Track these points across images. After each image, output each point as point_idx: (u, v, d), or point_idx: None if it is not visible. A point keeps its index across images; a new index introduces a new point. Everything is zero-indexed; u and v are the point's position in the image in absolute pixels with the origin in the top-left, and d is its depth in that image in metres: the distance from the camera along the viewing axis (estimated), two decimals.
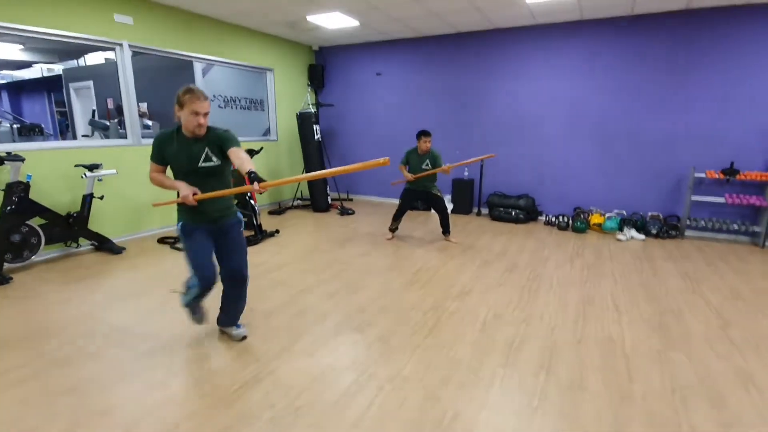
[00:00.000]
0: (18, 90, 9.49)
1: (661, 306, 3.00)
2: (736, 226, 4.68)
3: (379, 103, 6.77)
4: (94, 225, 4.23)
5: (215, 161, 2.08)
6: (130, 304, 2.97)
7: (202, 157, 2.05)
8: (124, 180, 4.50)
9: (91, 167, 3.99)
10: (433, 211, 5.33)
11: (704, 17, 4.60)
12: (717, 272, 3.74)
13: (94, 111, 5.06)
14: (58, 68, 8.23)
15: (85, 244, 4.22)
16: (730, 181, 4.72)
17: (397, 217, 4.68)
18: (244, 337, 2.43)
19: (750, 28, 4.45)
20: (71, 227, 3.91)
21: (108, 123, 4.85)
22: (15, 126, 4.40)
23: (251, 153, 4.94)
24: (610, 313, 2.88)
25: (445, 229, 4.63)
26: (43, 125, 6.07)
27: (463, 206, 6.16)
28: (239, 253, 2.27)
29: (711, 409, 1.88)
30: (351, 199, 7.13)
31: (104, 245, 4.14)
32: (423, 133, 4.40)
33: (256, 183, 1.79)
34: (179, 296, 2.46)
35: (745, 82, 4.54)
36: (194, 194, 2.00)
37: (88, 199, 4.02)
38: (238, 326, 2.46)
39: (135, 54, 4.59)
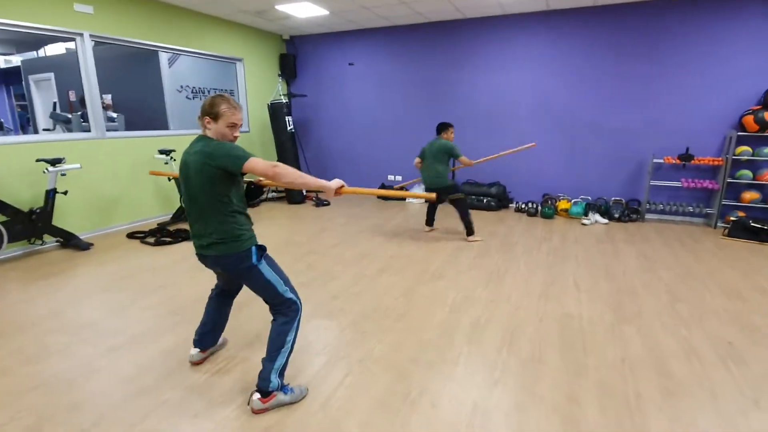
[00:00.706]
0: None
1: (618, 284, 3.18)
2: (691, 209, 4.96)
3: (353, 94, 6.76)
4: (59, 221, 4.12)
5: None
6: (97, 300, 2.93)
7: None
8: (90, 174, 4.38)
9: (54, 162, 3.87)
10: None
11: (660, 9, 4.80)
12: (672, 252, 3.97)
13: (55, 104, 4.89)
14: (16, 60, 7.83)
15: (50, 241, 4.10)
16: (686, 167, 4.99)
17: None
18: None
19: (702, 22, 4.68)
20: (34, 224, 3.80)
21: (70, 116, 4.69)
22: None
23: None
24: (570, 292, 3.03)
25: (430, 220, 4.65)
26: (2, 120, 5.82)
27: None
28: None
29: (655, 377, 2.04)
30: None
31: (70, 242, 4.04)
32: (444, 126, 4.31)
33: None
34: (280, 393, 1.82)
35: (700, 72, 4.78)
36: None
37: (51, 195, 3.90)
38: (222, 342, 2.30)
39: (97, 44, 4.44)
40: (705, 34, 4.69)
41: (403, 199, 6.47)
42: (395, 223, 5.09)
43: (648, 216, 5.27)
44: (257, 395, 1.76)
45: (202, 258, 1.81)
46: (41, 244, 4.03)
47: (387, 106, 6.56)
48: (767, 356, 2.22)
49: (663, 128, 5.04)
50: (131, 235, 4.40)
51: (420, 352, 2.25)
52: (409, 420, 1.74)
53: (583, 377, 2.03)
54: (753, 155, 4.56)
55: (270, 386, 1.75)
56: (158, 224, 4.75)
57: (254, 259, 1.75)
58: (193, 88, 5.64)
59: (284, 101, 5.88)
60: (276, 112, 5.87)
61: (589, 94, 5.31)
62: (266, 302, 1.83)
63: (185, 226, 4.73)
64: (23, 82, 7.03)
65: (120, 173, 4.68)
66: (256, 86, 6.49)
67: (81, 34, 4.30)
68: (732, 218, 4.50)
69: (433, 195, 3.01)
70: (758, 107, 4.49)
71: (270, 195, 6.54)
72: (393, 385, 1.97)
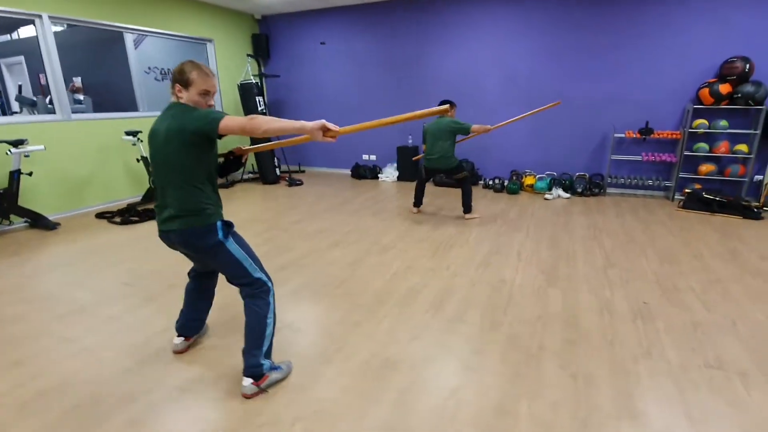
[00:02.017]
0: None
1: (559, 252, 3.31)
2: (650, 182, 5.07)
3: (326, 73, 6.77)
4: (28, 202, 4.22)
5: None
6: (56, 274, 3.06)
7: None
8: (56, 156, 4.46)
9: (16, 143, 3.94)
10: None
11: None
12: (622, 223, 4.10)
13: (20, 86, 4.91)
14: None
15: (18, 222, 4.21)
16: (646, 140, 5.07)
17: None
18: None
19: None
20: (0, 204, 3.89)
21: (35, 99, 4.73)
22: None
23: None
24: (511, 260, 3.17)
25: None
26: None
27: (409, 173, 6.35)
28: None
29: (562, 330, 2.19)
30: (303, 171, 7.21)
31: (38, 222, 4.15)
32: (446, 104, 4.17)
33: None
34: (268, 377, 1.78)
35: (658, 44, 4.82)
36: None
37: (15, 176, 3.98)
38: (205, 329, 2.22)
39: (70, 27, 4.47)
40: (662, 3, 4.71)
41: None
42: (362, 200, 5.20)
43: (611, 190, 5.38)
44: (248, 380, 1.70)
45: (165, 236, 1.70)
46: (9, 224, 4.13)
47: (359, 85, 6.58)
48: (674, 314, 2.36)
49: (625, 102, 5.11)
50: (100, 215, 4.51)
51: (349, 315, 2.39)
52: (323, 371, 1.88)
53: (495, 332, 2.18)
54: (709, 128, 4.64)
55: (264, 369, 1.72)
56: (128, 205, 4.85)
57: (220, 234, 1.67)
58: (162, 69, 5.65)
59: (254, 82, 5.90)
60: (246, 92, 5.90)
61: (553, 67, 5.35)
62: (233, 283, 1.76)
63: (151, 205, 4.84)
64: None
65: (88, 155, 4.75)
66: (228, 67, 6.49)
67: (40, 16, 4.31)
68: (687, 190, 4.62)
69: (445, 107, 1.74)
70: (714, 80, 4.56)
71: (245, 176, 6.63)
72: (315, 342, 2.12)
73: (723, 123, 4.58)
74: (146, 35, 5.36)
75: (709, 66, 4.67)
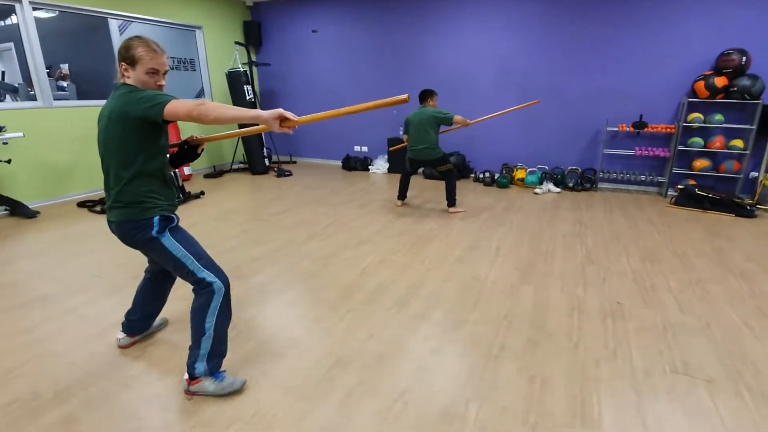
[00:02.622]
0: None
1: (539, 249, 3.23)
2: (643, 177, 4.94)
3: (318, 62, 6.65)
4: (8, 190, 4.19)
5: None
6: (27, 263, 3.02)
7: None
8: (37, 143, 4.41)
9: None
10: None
11: None
12: (610, 219, 4.00)
13: (3, 73, 4.85)
14: None
15: None
16: (640, 134, 4.94)
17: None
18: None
19: None
20: None
21: (17, 85, 4.67)
22: None
23: None
24: (489, 256, 3.09)
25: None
26: None
27: (400, 165, 6.25)
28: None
29: (528, 330, 2.12)
30: (294, 162, 7.13)
31: (17, 210, 4.11)
32: (428, 94, 4.08)
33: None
34: (207, 382, 1.65)
35: (654, 35, 4.66)
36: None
37: None
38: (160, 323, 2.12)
39: (53, 13, 4.40)
40: (657, 3, 4.54)
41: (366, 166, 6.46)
42: (348, 192, 5.12)
43: (603, 185, 5.26)
44: (186, 375, 1.64)
45: (109, 226, 1.65)
46: None
47: (351, 75, 6.46)
48: (647, 315, 2.28)
49: (619, 95, 4.96)
50: (81, 204, 4.47)
51: (311, 310, 2.33)
52: (271, 370, 1.83)
53: (457, 331, 2.11)
54: (704, 122, 4.50)
55: (196, 372, 1.61)
56: None
57: (155, 230, 1.56)
58: None
59: (242, 70, 5.80)
60: (234, 81, 5.81)
61: (547, 59, 5.20)
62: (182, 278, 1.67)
63: None
64: None
65: (70, 143, 4.70)
66: (218, 55, 6.39)
67: (20, 1, 4.23)
68: (680, 187, 4.49)
69: (404, 97, 1.47)
70: (710, 72, 4.40)
71: (235, 166, 6.56)
72: (270, 338, 2.06)
73: (718, 117, 4.43)
74: (131, 22, 5.27)
75: (706, 59, 4.51)
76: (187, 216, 4.13)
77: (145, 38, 1.55)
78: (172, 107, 1.40)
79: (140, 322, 1.97)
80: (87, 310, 2.34)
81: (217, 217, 4.10)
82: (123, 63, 1.53)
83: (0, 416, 1.57)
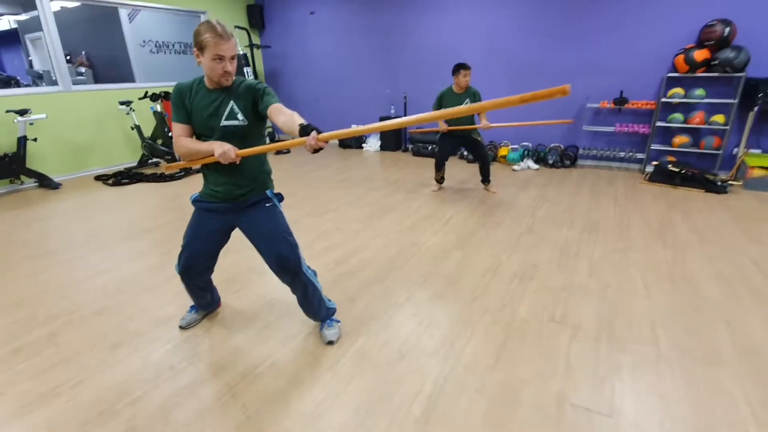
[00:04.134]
0: None
1: (487, 220, 3.46)
2: (623, 154, 4.96)
3: (316, 43, 6.91)
4: (38, 165, 4.82)
5: (240, 120, 1.62)
6: (41, 225, 3.59)
7: (225, 114, 1.60)
8: (58, 123, 5.00)
9: (21, 112, 4.48)
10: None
11: None
12: (574, 194, 4.12)
13: (30, 61, 5.46)
14: (25, 18, 8.47)
15: (28, 182, 4.83)
16: (621, 111, 4.93)
17: (440, 167, 4.21)
18: (331, 342, 1.91)
19: None
20: (9, 166, 4.49)
21: (41, 72, 5.27)
22: None
23: (168, 96, 5.33)
24: (438, 226, 3.36)
25: (485, 178, 4.18)
26: (18, 77, 6.45)
27: (391, 143, 6.50)
28: (275, 237, 1.75)
29: (439, 287, 2.41)
30: None
31: (43, 182, 4.75)
32: (462, 66, 3.77)
33: (314, 133, 1.37)
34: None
35: (637, 11, 4.59)
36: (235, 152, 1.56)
37: (22, 141, 4.56)
38: (324, 324, 1.99)
39: (69, 5, 4.91)
40: None
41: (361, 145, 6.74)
42: (337, 167, 5.45)
43: (585, 162, 5.31)
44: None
45: None
46: (21, 184, 4.76)
47: (347, 55, 6.68)
48: (555, 277, 2.51)
49: (602, 70, 4.94)
50: (98, 178, 5.06)
51: (241, 273, 2.72)
52: (161, 335, 2.24)
53: (376, 285, 2.44)
54: (685, 97, 4.45)
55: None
56: (125, 169, 5.38)
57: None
58: (157, 42, 6.02)
59: (242, 53, 6.16)
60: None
61: (531, 34, 5.22)
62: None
63: (145, 170, 5.36)
64: (21, 42, 7.68)
65: (88, 123, 5.28)
66: None
67: None
68: (654, 163, 4.51)
69: (568, 87, 1.04)
70: (691, 46, 4.33)
71: None
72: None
73: (699, 92, 4.37)
74: (140, 10, 5.72)
75: (690, 31, 4.42)
76: (184, 187, 4.62)
77: (213, 23, 1.52)
78: (176, 137, 1.67)
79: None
80: (80, 261, 2.85)
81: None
82: (195, 49, 1.57)
83: (4, 329, 2.07)
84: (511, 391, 1.63)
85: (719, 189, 4.06)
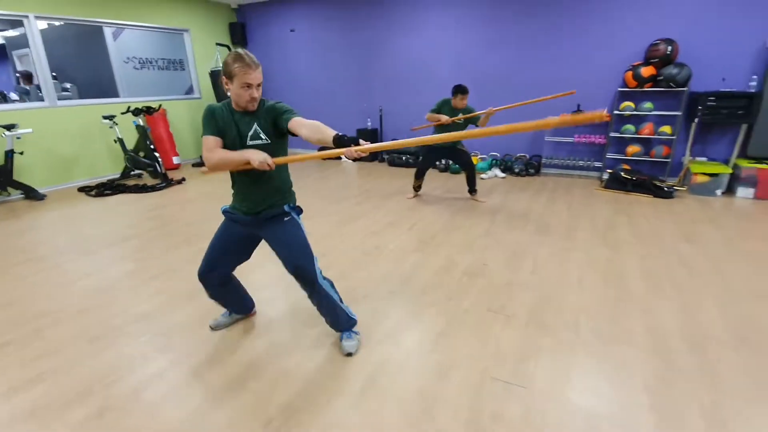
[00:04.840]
0: None
1: (449, 224, 3.72)
2: (582, 163, 5.30)
3: (297, 59, 7.21)
4: (25, 177, 4.98)
5: (263, 139, 1.76)
6: (32, 234, 3.76)
7: (250, 134, 1.74)
8: (44, 137, 5.18)
9: (8, 127, 4.66)
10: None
11: None
12: (532, 201, 4.42)
13: (18, 77, 5.64)
14: (14, 34, 8.64)
15: (15, 194, 4.98)
16: None
17: (420, 176, 4.44)
18: (350, 354, 1.98)
19: None
20: None
21: (28, 88, 5.45)
22: None
23: (150, 110, 5.56)
24: (398, 231, 3.60)
25: (471, 188, 4.37)
26: (5, 92, 6.59)
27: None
28: (292, 248, 1.87)
29: (393, 285, 2.66)
30: None
31: (30, 194, 4.91)
32: (459, 91, 3.99)
33: (353, 145, 1.50)
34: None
35: (592, 32, 4.98)
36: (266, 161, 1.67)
37: (9, 155, 4.73)
38: (344, 336, 2.05)
39: (55, 24, 5.13)
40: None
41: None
42: (315, 178, 5.70)
43: (548, 170, 5.65)
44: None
45: None
46: (8, 195, 4.91)
47: (326, 70, 6.99)
48: (501, 275, 2.77)
49: (560, 84, 5.27)
50: (81, 189, 5.24)
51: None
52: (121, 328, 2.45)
53: (337, 283, 2.64)
54: (635, 110, 4.82)
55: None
56: (108, 180, 5.56)
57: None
58: (140, 59, 6.26)
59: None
60: (216, 79, 6.45)
61: (496, 51, 5.58)
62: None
63: (127, 182, 5.55)
64: (9, 57, 7.85)
65: (73, 136, 5.47)
66: (206, 56, 7.03)
67: (27, 16, 4.96)
68: (609, 171, 4.85)
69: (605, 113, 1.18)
70: (638, 63, 4.70)
71: None
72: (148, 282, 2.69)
73: (648, 105, 4.74)
74: (123, 28, 5.96)
75: (638, 49, 4.80)
76: (164, 198, 4.82)
77: (242, 53, 1.64)
78: (207, 149, 1.75)
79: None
80: (66, 266, 3.03)
81: (186, 201, 4.77)
82: (224, 77, 1.68)
83: None
84: (444, 369, 1.87)
85: (666, 194, 4.39)
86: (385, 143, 1.56)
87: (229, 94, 1.71)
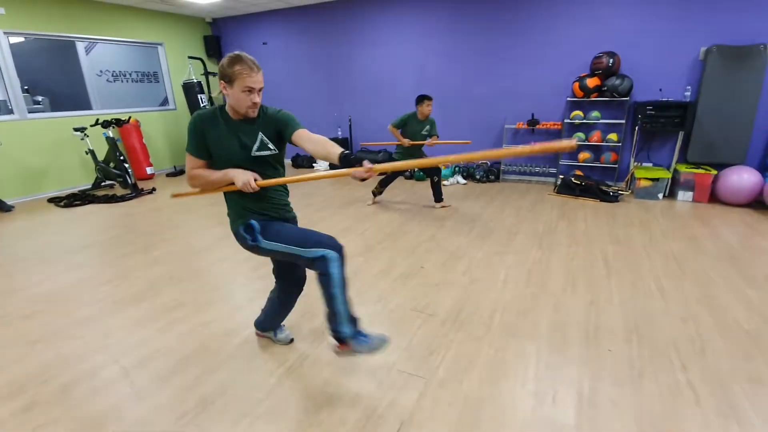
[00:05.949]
0: None
1: (398, 230, 3.90)
2: (538, 169, 5.53)
3: (269, 71, 7.37)
4: None
5: (272, 149, 1.70)
6: None
7: (257, 145, 1.66)
8: (14, 149, 5.29)
9: None
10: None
11: None
12: (485, 206, 4.62)
13: None
14: None
15: None
16: (534, 131, 5.52)
17: (386, 184, 4.61)
18: (292, 340, 2.19)
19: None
20: None
21: None
22: None
23: (119, 122, 5.70)
24: (352, 236, 3.77)
25: (438, 197, 4.50)
26: None
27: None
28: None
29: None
30: None
31: None
32: (425, 97, 4.22)
33: (366, 163, 1.45)
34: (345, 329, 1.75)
35: (543, 45, 5.24)
36: (255, 179, 1.62)
37: None
38: (281, 329, 2.20)
39: (26, 38, 5.29)
40: (545, 7, 5.11)
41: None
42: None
43: (509, 177, 5.87)
44: (334, 342, 1.76)
45: None
46: None
47: (297, 82, 7.20)
48: (434, 276, 2.94)
49: (516, 96, 5.56)
50: (51, 200, 5.34)
51: (183, 266, 3.09)
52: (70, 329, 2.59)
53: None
54: (584, 119, 5.06)
55: (343, 335, 1.68)
56: (79, 191, 5.67)
57: (248, 240, 1.69)
58: (114, 71, 6.40)
59: (195, 81, 6.59)
60: (188, 91, 6.61)
61: (455, 63, 5.84)
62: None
63: (98, 192, 5.67)
64: None
65: (43, 148, 5.58)
66: (180, 68, 7.20)
67: None
68: (561, 177, 5.08)
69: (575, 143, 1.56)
70: (585, 74, 4.96)
71: None
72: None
73: (595, 114, 4.99)
74: (97, 42, 6.12)
75: (585, 61, 5.06)
76: (133, 208, 4.95)
77: (242, 55, 1.55)
78: (189, 168, 1.73)
79: (266, 323, 2.17)
80: (19, 274, 3.15)
81: (155, 209, 4.91)
82: (221, 81, 1.57)
83: None
84: (354, 363, 2.03)
85: (611, 198, 4.62)
86: (392, 164, 1.59)
87: (224, 97, 1.61)
